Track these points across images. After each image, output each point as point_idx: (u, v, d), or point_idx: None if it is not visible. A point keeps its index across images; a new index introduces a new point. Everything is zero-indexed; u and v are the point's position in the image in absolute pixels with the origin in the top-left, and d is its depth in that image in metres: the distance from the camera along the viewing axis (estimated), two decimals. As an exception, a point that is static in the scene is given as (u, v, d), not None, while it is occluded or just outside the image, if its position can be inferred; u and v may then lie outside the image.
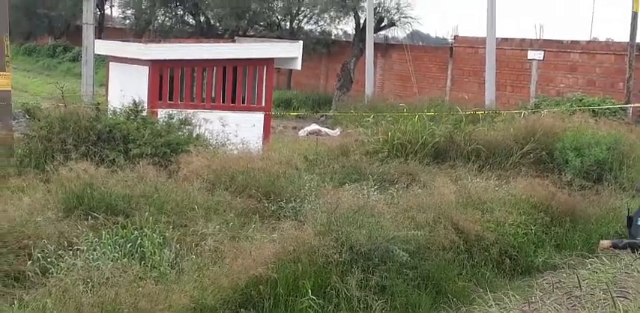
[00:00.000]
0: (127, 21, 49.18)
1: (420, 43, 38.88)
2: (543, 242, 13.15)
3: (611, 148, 16.33)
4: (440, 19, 62.04)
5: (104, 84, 23.01)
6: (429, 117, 18.22)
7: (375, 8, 34.83)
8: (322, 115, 31.83)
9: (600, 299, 5.22)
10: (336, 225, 10.60)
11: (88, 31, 21.04)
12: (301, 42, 22.35)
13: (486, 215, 12.82)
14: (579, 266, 6.29)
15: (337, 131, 27.07)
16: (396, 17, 36.33)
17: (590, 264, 6.17)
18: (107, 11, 59.42)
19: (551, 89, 29.29)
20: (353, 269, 10.25)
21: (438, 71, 34.90)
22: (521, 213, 13.16)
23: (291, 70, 36.67)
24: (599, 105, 23.57)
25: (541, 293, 6.47)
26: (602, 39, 32.52)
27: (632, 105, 24.35)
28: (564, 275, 6.18)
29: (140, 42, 24.42)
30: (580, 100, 24.62)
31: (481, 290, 10.83)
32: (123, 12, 50.70)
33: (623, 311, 4.82)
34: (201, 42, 25.35)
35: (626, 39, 25.71)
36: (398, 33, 38.61)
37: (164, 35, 41.26)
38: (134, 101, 16.02)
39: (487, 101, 26.72)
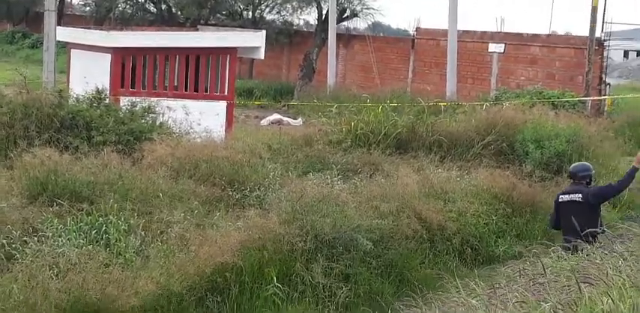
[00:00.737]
0: (88, 8, 48.79)
1: (381, 34, 39.02)
2: (504, 232, 13.34)
3: (571, 140, 16.54)
4: (402, 10, 62.33)
5: (65, 71, 22.84)
6: (391, 108, 18.33)
7: (338, -1, 34.94)
8: (284, 105, 31.85)
9: (565, 286, 5.34)
10: (301, 214, 10.67)
11: (50, 18, 20.81)
12: (264, 31, 22.38)
13: (448, 205, 12.99)
14: (542, 255, 6.41)
15: (299, 121, 27.13)
16: (358, 8, 36.45)
17: (553, 252, 6.30)
18: (67, -2, 58.83)
19: (511, 82, 29.57)
20: (317, 258, 10.35)
21: (399, 62, 35.05)
22: (482, 204, 13.34)
23: (253, 60, 36.62)
24: (558, 98, 23.84)
25: (505, 281, 6.60)
26: (560, 32, 32.92)
27: (590, 98, 24.68)
28: (527, 263, 6.29)
29: (101, 29, 24.29)
30: (540, 93, 24.88)
31: (445, 278, 11.05)
32: (83, -1, 50.30)
33: (588, 297, 4.94)
34: (163, 30, 25.23)
35: (584, 32, 26.03)
36: (359, 24, 38.79)
37: (125, 23, 40.98)
38: (97, 88, 15.92)
39: (448, 93, 26.92)
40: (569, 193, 11.09)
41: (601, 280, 5.05)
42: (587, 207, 10.79)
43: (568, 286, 5.47)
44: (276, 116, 28.57)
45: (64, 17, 52.86)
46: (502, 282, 6.34)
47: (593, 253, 6.12)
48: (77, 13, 53.36)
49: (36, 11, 55.20)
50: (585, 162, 12.07)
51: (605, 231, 9.07)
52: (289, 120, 28.04)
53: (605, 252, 6.16)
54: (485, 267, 12.29)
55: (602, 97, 25.66)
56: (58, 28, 21.47)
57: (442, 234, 12.43)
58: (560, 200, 11.13)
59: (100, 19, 46.19)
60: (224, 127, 19.78)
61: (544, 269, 5.43)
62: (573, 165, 11.79)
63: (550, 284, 5.49)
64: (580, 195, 10.90)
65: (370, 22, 38.59)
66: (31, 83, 16.17)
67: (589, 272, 5.34)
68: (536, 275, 5.70)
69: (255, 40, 21.59)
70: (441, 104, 19.63)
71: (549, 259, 6.23)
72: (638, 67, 50.01)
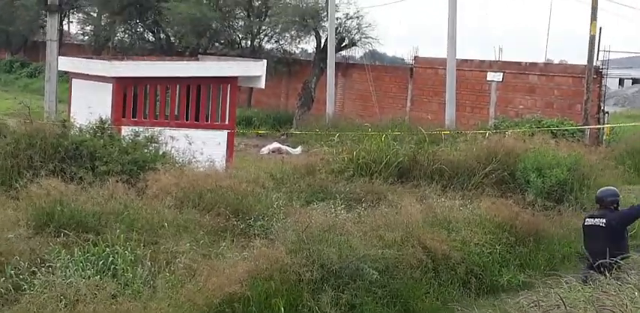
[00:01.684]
0: (86, 37, 49.01)
1: (377, 63, 39.20)
2: (508, 261, 13.34)
3: (572, 169, 16.60)
4: (399, 39, 62.68)
5: (65, 100, 22.93)
6: (391, 136, 18.40)
7: (337, 28, 35.11)
8: (283, 134, 31.94)
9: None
10: (307, 244, 10.69)
11: (52, 48, 20.97)
12: (265, 61, 22.54)
13: (452, 234, 12.99)
14: (554, 285, 6.43)
15: (299, 149, 27.20)
16: (357, 37, 36.61)
17: (566, 283, 6.32)
18: (65, 27, 59.08)
19: (510, 110, 29.69)
20: (324, 287, 10.35)
21: (398, 91, 35.20)
22: (486, 233, 13.34)
23: (251, 88, 36.77)
24: (557, 127, 23.95)
25: (518, 313, 6.58)
26: (556, 61, 33.10)
27: (590, 126, 24.80)
28: (541, 294, 6.29)
29: (101, 59, 24.41)
30: (539, 122, 25.01)
31: (450, 308, 11.07)
32: (82, 28, 50.54)
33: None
34: (164, 59, 25.39)
35: (579, 61, 26.21)
36: (355, 52, 38.96)
37: (123, 52, 41.22)
38: (101, 118, 16.00)
39: (447, 121, 27.03)
40: (594, 217, 11.25)
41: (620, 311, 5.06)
42: (611, 231, 10.91)
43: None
44: (275, 145, 28.65)
45: (63, 46, 53.04)
46: (515, 314, 6.34)
47: (608, 284, 6.14)
48: (75, 43, 53.59)
49: (34, 40, 55.47)
50: (612, 187, 12.13)
51: (627, 256, 9.10)
52: (288, 149, 28.12)
53: (619, 283, 6.19)
54: (488, 297, 12.35)
55: (602, 126, 25.77)
56: (60, 57, 21.62)
57: (446, 263, 12.43)
58: (585, 223, 11.33)
59: (98, 49, 46.42)
60: (225, 156, 19.86)
61: (562, 301, 5.43)
62: (600, 189, 11.86)
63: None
64: (604, 220, 11.03)
65: (366, 51, 38.79)
66: (32, 113, 16.26)
67: (604, 304, 5.35)
68: (551, 307, 5.71)
69: (256, 69, 21.76)
70: (444, 132, 19.70)
71: (561, 289, 6.24)
72: (633, 94, 50.24)
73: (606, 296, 5.71)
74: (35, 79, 49.20)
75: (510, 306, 6.69)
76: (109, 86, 20.16)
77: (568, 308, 5.58)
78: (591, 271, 8.06)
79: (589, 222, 11.28)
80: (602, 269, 8.25)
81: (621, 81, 55.94)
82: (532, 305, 5.97)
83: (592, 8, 25.57)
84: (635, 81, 55.18)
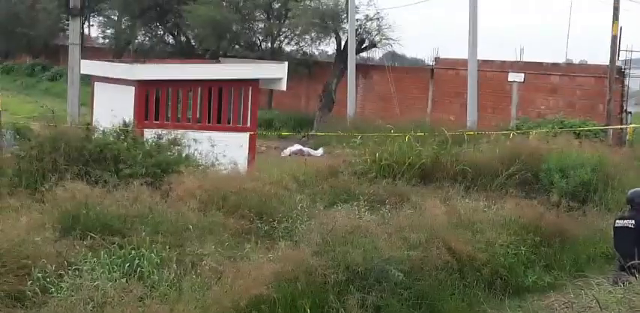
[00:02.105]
0: (107, 40, 49.24)
1: (397, 64, 39.17)
2: (533, 262, 13.30)
3: (596, 170, 16.53)
4: (418, 40, 62.56)
5: (87, 103, 23.02)
6: (414, 138, 18.36)
7: (357, 30, 35.10)
8: (304, 135, 31.96)
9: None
10: (332, 245, 10.69)
11: (74, 52, 21.02)
12: (286, 63, 22.54)
13: (477, 235, 12.95)
14: (585, 287, 6.38)
15: (320, 151, 27.22)
16: (377, 39, 36.61)
17: (598, 285, 6.26)
18: (85, 30, 59.39)
19: (531, 111, 29.60)
20: (350, 289, 10.35)
21: (418, 92, 35.16)
22: (510, 234, 13.30)
23: (272, 90, 36.80)
24: (579, 127, 23.86)
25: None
26: (576, 61, 32.96)
27: (613, 126, 24.69)
28: (572, 295, 6.25)
29: (121, 62, 24.51)
30: (561, 122, 24.92)
31: (476, 309, 11.05)
32: (102, 32, 50.80)
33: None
34: (185, 62, 25.46)
35: (600, 61, 26.12)
36: (375, 54, 38.94)
37: (144, 55, 41.36)
38: (124, 121, 16.05)
39: (469, 122, 26.98)
40: (624, 219, 11.16)
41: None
42: None
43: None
44: (296, 147, 28.70)
45: (83, 50, 53.27)
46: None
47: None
48: (96, 46, 53.85)
49: (55, 44, 55.76)
50: None
51: None
52: (310, 150, 28.15)
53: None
54: (514, 299, 12.32)
55: (626, 126, 25.63)
56: (82, 61, 21.68)
57: (472, 264, 12.39)
58: (615, 225, 11.24)
59: (119, 52, 46.66)
60: (248, 159, 19.88)
61: (597, 302, 5.40)
62: (630, 191, 11.70)
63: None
64: (633, 222, 10.94)
65: (386, 52, 38.75)
66: (56, 116, 16.34)
67: (637, 305, 5.31)
68: (583, 308, 5.67)
69: (277, 71, 21.79)
70: (468, 134, 19.65)
71: (591, 291, 6.19)
72: (655, 94, 49.92)
73: (639, 297, 5.68)
74: (56, 83, 49.46)
75: (541, 308, 6.65)
76: (132, 89, 20.23)
77: (599, 309, 5.54)
78: (622, 272, 8.00)
79: (619, 223, 11.18)
80: (632, 270, 8.20)
81: (643, 81, 55.59)
82: (564, 306, 5.93)
83: (614, 8, 25.45)
84: (657, 80, 54.86)
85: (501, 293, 12.42)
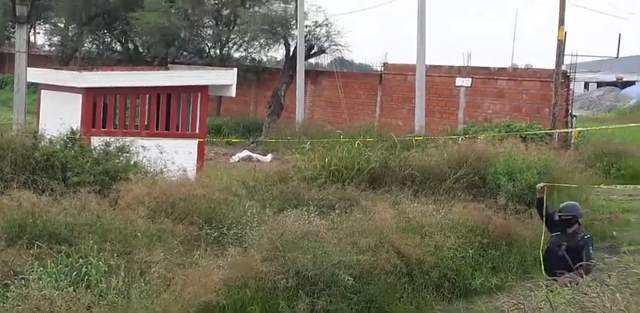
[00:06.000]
0: (53, 48, 48.69)
1: (346, 70, 39.27)
2: (480, 265, 13.45)
3: (542, 173, 16.71)
4: (367, 46, 62.88)
5: (34, 112, 22.79)
6: (363, 143, 18.45)
7: (306, 36, 35.15)
8: (253, 142, 31.92)
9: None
10: (282, 251, 10.72)
11: (20, 59, 20.86)
12: (235, 69, 22.52)
13: (426, 239, 13.08)
14: (534, 288, 6.46)
15: (269, 157, 27.22)
16: (326, 45, 36.68)
17: (547, 286, 6.35)
18: (31, 38, 58.68)
19: (478, 115, 29.85)
20: (300, 295, 10.39)
21: (367, 97, 35.29)
22: (458, 237, 13.45)
23: (220, 97, 36.69)
24: (526, 131, 24.10)
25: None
26: (521, 65, 33.37)
27: (558, 130, 25.00)
28: (521, 297, 6.33)
29: (70, 69, 24.28)
30: (508, 126, 25.17)
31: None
32: (49, 39, 50.23)
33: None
34: (134, 69, 25.30)
35: (545, 65, 26.44)
36: (322, 60, 38.98)
37: (91, 62, 40.99)
38: (72, 129, 15.93)
39: (417, 127, 27.11)
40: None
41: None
42: None
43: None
44: (245, 153, 28.62)
45: (30, 58, 52.61)
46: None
47: (588, 286, 6.19)
48: (42, 53, 53.22)
49: (0, 52, 55.03)
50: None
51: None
52: (259, 156, 28.10)
53: (599, 285, 6.24)
54: (461, 301, 12.45)
55: (572, 129, 25.98)
56: (29, 69, 21.48)
57: (420, 268, 12.51)
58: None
59: (65, 59, 46.12)
60: (197, 165, 19.82)
61: (550, 302, 5.46)
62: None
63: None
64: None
65: (335, 58, 38.81)
66: (1, 125, 16.18)
67: (585, 306, 5.40)
68: (533, 310, 5.74)
69: (226, 77, 21.75)
70: (416, 138, 19.79)
71: (540, 292, 6.28)
72: (598, 98, 50.61)
73: (587, 298, 5.76)
74: (2, 91, 48.84)
75: (491, 310, 6.72)
76: (79, 96, 20.05)
77: (550, 310, 5.61)
78: (569, 273, 8.14)
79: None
80: (580, 271, 8.34)
81: (586, 85, 56.35)
82: (514, 308, 6.01)
83: (559, 13, 25.81)
84: (600, 84, 55.61)
85: (449, 296, 12.55)
